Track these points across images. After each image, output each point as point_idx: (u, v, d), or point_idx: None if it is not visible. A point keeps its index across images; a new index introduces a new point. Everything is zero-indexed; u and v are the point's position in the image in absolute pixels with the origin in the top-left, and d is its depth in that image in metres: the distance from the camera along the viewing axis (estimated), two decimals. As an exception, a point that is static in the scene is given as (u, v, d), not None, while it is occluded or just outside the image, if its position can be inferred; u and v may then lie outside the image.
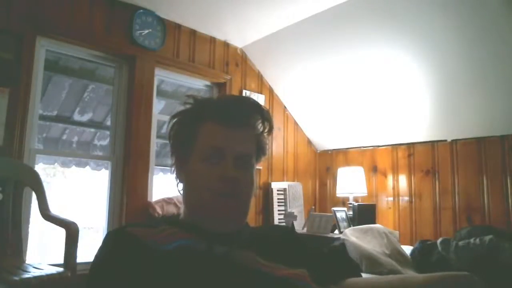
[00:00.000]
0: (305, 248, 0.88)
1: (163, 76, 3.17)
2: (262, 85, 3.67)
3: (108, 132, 3.08)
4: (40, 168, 2.97)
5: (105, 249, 0.72)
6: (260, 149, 0.85)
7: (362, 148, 3.64)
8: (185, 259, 0.71)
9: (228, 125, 0.79)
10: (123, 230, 0.76)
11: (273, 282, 0.72)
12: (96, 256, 0.72)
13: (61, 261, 1.99)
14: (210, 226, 0.77)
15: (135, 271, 0.67)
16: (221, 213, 0.77)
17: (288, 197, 3.48)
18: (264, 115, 0.83)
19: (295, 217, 3.14)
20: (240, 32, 3.26)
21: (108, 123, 3.11)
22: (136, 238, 0.72)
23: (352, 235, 2.61)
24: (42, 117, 3.29)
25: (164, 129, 3.24)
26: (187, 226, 0.79)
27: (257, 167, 0.84)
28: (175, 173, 0.85)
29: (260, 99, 3.56)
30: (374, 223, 3.04)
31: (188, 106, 0.84)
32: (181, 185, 0.84)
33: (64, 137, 3.79)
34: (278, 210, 3.42)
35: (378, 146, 3.51)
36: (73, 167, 3.59)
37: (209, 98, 0.88)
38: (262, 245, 0.79)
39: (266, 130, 0.84)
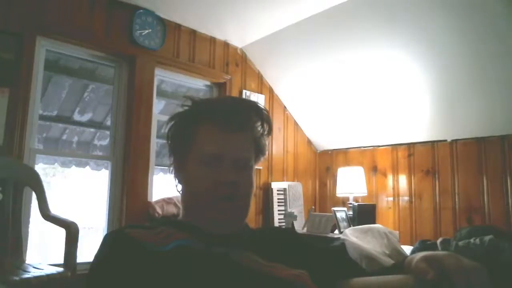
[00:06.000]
0: (306, 248, 0.88)
1: (163, 76, 3.17)
2: (262, 85, 3.66)
3: (108, 132, 3.08)
4: (40, 168, 2.97)
5: (103, 250, 0.72)
6: (259, 151, 0.85)
7: (362, 148, 3.64)
8: (183, 258, 0.70)
9: (226, 130, 0.78)
10: (121, 231, 0.76)
11: (272, 282, 0.72)
12: (95, 258, 0.72)
13: (61, 261, 1.99)
14: (208, 228, 0.77)
15: (133, 272, 0.67)
16: (220, 215, 0.77)
17: (288, 197, 3.47)
18: (263, 117, 0.82)
19: (295, 217, 3.14)
20: (240, 32, 3.25)
21: (108, 123, 3.11)
22: (134, 239, 0.72)
23: (352, 235, 2.61)
24: (42, 117, 3.29)
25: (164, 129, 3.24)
26: (185, 227, 0.78)
27: (257, 167, 0.84)
28: (173, 174, 0.85)
29: (260, 99, 3.56)
30: (374, 223, 3.04)
31: (186, 107, 0.83)
32: (180, 186, 0.83)
33: (64, 137, 3.79)
34: (278, 210, 3.42)
35: (378, 146, 3.51)
36: (73, 167, 3.59)
37: (207, 100, 0.88)
38: (262, 245, 0.79)
39: (265, 132, 0.84)
